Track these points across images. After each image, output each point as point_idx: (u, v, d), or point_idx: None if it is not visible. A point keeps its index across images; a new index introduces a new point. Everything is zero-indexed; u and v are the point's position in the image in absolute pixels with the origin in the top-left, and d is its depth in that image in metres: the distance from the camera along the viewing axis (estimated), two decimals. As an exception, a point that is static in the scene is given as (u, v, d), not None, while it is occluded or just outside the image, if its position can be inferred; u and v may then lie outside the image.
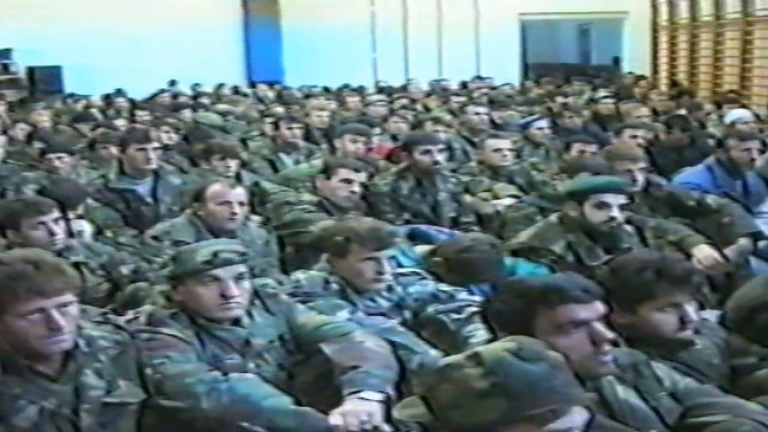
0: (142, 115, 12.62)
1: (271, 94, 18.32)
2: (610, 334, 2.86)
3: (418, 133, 8.20)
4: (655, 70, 22.05)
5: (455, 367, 2.30)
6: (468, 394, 2.22)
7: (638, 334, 3.31)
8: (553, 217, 5.34)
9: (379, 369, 3.46)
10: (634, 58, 22.64)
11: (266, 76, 21.23)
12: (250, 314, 3.83)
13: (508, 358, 2.24)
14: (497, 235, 5.59)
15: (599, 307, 2.88)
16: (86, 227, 5.86)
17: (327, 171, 6.19)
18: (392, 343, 3.77)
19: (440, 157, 6.68)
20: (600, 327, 2.84)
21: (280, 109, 13.04)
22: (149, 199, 6.57)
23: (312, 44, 21.53)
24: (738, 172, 6.87)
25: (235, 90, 18.77)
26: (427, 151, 6.59)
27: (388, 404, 3.28)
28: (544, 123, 9.26)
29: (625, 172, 6.04)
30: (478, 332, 3.91)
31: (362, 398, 3.30)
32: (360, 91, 17.07)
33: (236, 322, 3.79)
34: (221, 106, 14.16)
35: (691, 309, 3.36)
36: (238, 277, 3.75)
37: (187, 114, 12.17)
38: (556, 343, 2.63)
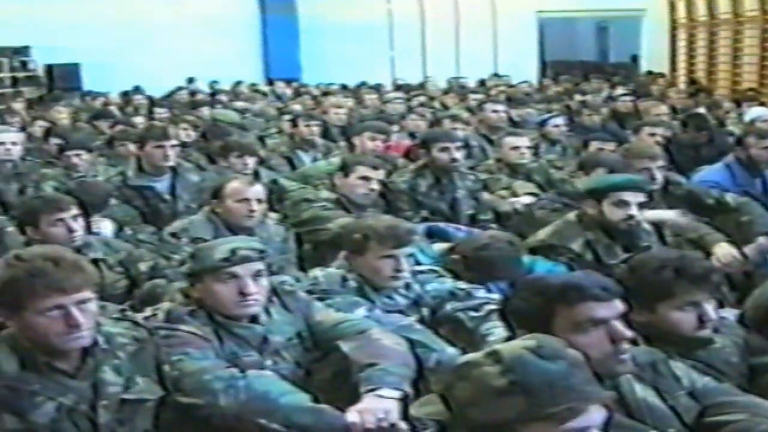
0: (161, 112, 12.65)
1: (288, 91, 18.34)
2: (628, 333, 2.85)
3: (436, 131, 8.21)
4: (673, 67, 22.00)
5: (474, 364, 2.29)
6: (486, 391, 2.22)
7: (657, 332, 3.30)
8: (572, 215, 5.32)
9: (396, 366, 3.46)
10: (653, 56, 22.61)
11: (283, 74, 21.25)
12: (268, 311, 3.84)
13: (527, 356, 2.23)
14: (519, 234, 5.57)
15: (618, 306, 2.87)
16: (108, 226, 5.87)
17: (345, 168, 6.18)
18: (410, 341, 3.77)
19: (458, 155, 6.67)
20: (619, 325, 2.83)
21: (298, 107, 13.06)
22: (167, 196, 6.59)
23: (329, 41, 21.56)
24: (757, 170, 6.84)
25: (255, 89, 18.76)
26: (446, 149, 6.59)
27: (405, 402, 3.28)
28: (560, 120, 9.28)
29: (643, 170, 6.03)
30: (496, 330, 3.91)
31: (379, 396, 3.30)
32: (378, 88, 17.07)
33: (254, 319, 3.79)
34: (239, 104, 14.19)
35: (710, 307, 3.35)
36: (257, 275, 3.74)
37: (205, 111, 12.19)
38: (574, 341, 2.61)
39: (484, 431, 2.23)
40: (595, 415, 2.21)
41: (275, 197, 6.64)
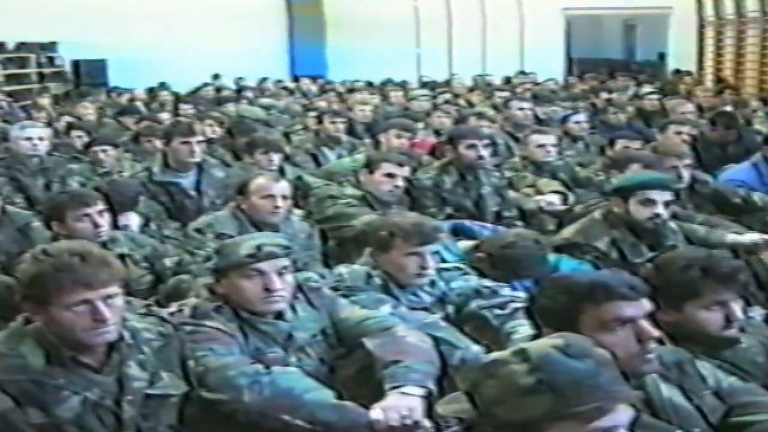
0: (186, 108, 12.69)
1: (314, 88, 18.36)
2: (655, 332, 2.83)
3: (463, 128, 8.20)
4: (700, 66, 21.90)
5: (501, 363, 2.28)
6: (513, 390, 2.21)
7: (683, 331, 3.28)
8: (598, 214, 5.30)
9: (420, 364, 3.46)
10: (680, 54, 22.52)
11: (309, 71, 21.33)
12: (293, 308, 3.83)
13: (555, 354, 2.22)
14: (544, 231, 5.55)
15: (645, 305, 2.85)
16: (134, 218, 5.89)
17: (370, 165, 6.18)
18: (434, 338, 3.77)
19: (485, 152, 6.65)
20: (646, 325, 2.82)
21: (323, 104, 13.08)
22: (193, 192, 6.61)
23: (355, 38, 21.60)
24: (785, 169, 6.81)
25: (280, 85, 18.78)
26: (473, 146, 6.57)
27: (429, 399, 3.27)
28: (581, 117, 9.27)
29: (670, 169, 6.00)
30: (521, 328, 3.89)
31: (404, 393, 3.30)
32: (403, 85, 17.06)
33: (279, 315, 3.78)
34: (265, 100, 14.21)
35: (737, 307, 3.33)
36: (282, 271, 3.74)
37: (230, 108, 12.21)
38: (601, 340, 2.60)
39: (510, 430, 2.22)
40: (622, 414, 2.19)
41: (300, 194, 6.65)
